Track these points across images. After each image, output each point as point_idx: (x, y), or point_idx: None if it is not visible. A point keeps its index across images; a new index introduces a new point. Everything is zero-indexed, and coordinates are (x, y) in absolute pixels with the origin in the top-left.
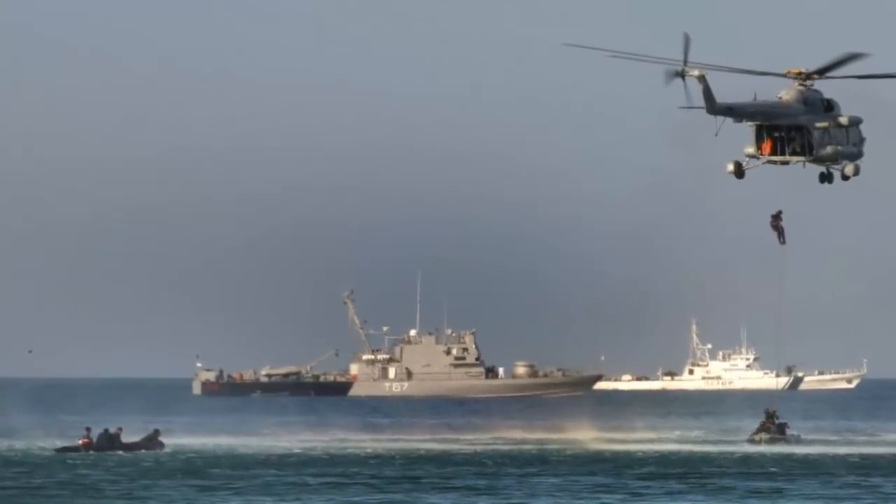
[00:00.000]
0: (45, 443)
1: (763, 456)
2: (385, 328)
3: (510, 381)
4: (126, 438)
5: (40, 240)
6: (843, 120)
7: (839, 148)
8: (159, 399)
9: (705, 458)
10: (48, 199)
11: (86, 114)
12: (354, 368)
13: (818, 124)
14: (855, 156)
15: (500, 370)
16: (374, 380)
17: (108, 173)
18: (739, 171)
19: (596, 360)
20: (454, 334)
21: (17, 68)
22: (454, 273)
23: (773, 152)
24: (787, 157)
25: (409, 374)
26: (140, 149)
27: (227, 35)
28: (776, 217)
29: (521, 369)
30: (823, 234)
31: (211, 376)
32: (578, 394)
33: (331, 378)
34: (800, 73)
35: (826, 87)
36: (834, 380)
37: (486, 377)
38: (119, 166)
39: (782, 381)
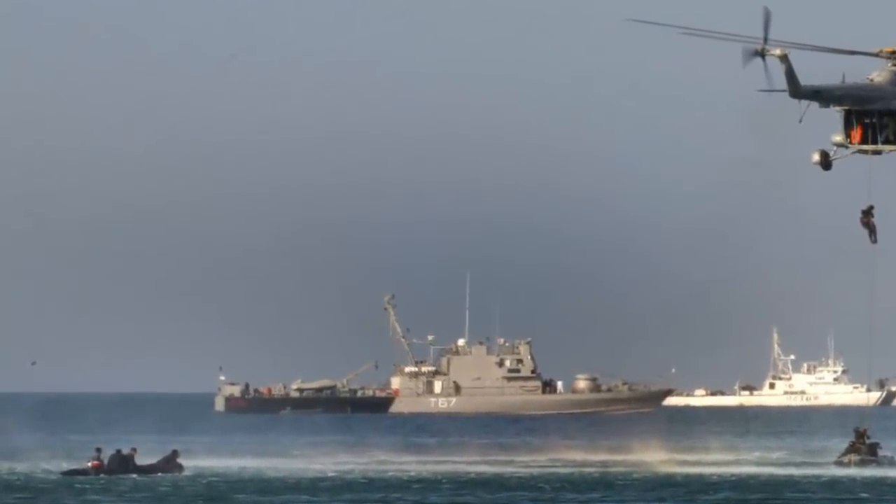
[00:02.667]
0: (51, 465)
1: (853, 480)
2: (430, 337)
3: (570, 397)
4: (141, 460)
5: (42, 237)
6: None
7: None
8: (178, 416)
9: (788, 483)
10: (51, 193)
11: (98, 101)
12: (396, 382)
13: None
14: None
15: (559, 384)
16: (418, 395)
17: (118, 166)
18: (826, 162)
19: (666, 372)
20: (507, 344)
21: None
22: (506, 275)
23: (864, 140)
24: (880, 146)
25: (457, 389)
26: (154, 142)
27: (243, 21)
28: (867, 213)
29: (581, 383)
30: None
31: (236, 391)
32: (646, 410)
33: (369, 393)
34: (894, 53)
35: None
36: None
37: (543, 392)
38: (130, 160)
39: (874, 397)
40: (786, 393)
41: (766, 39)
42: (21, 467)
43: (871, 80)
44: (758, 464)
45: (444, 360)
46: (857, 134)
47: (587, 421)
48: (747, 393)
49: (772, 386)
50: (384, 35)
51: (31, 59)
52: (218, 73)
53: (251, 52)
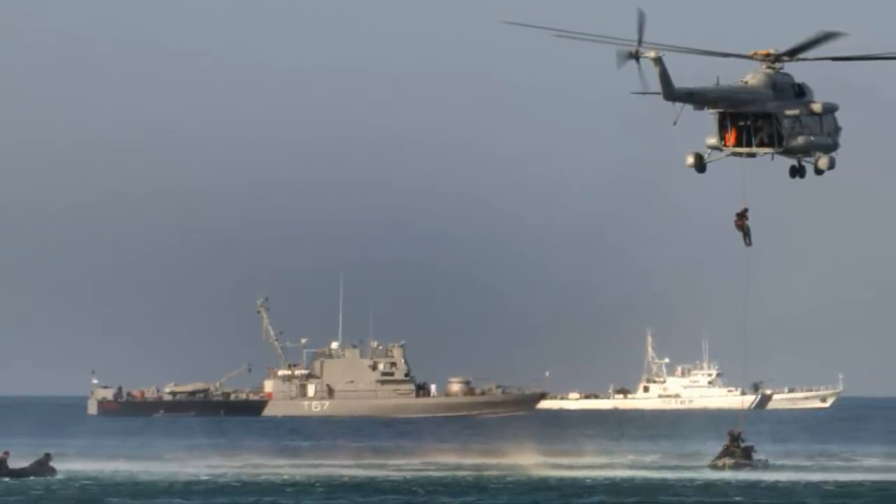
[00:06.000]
0: None
1: (727, 483)
2: (303, 340)
3: (443, 400)
4: (13, 464)
5: None
6: (817, 107)
7: (812, 138)
8: (50, 419)
9: (662, 486)
10: None
11: None
12: (269, 385)
13: (788, 112)
14: (829, 147)
15: (433, 387)
16: (292, 398)
17: None
18: (700, 165)
19: (539, 376)
20: (381, 347)
21: None
22: (380, 278)
23: (738, 143)
24: (754, 149)
25: (331, 392)
26: (35, 140)
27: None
28: (741, 216)
29: (455, 386)
30: (795, 236)
31: (108, 394)
32: (520, 413)
33: (243, 396)
34: (768, 55)
35: (797, 71)
36: (806, 398)
37: (417, 395)
38: (10, 159)
39: (748, 400)
40: (660, 396)
41: (640, 41)
42: None
43: (746, 83)
44: (632, 467)
45: (317, 364)
46: (731, 136)
47: (461, 424)
48: (621, 396)
49: (646, 389)
50: (266, 35)
51: None
52: (99, 71)
53: (135, 50)
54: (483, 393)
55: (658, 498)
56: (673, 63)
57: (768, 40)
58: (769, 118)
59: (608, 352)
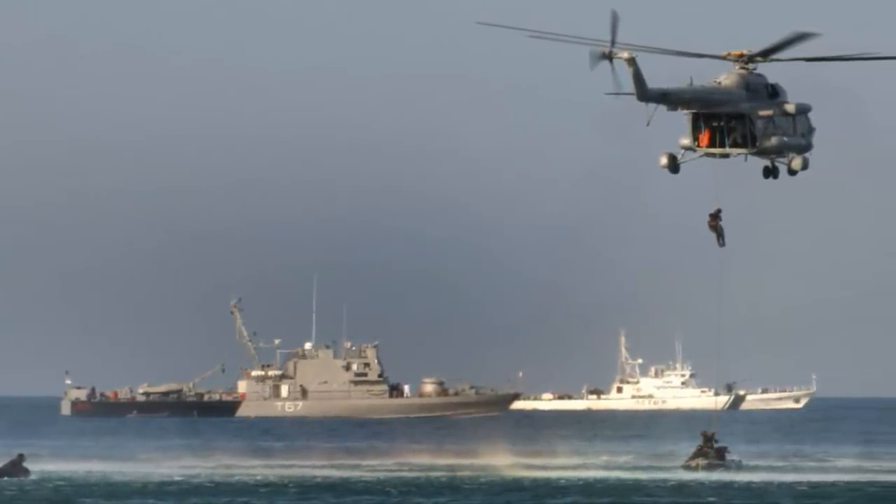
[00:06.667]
0: None
1: (700, 484)
2: (277, 341)
3: (417, 401)
4: None
5: None
6: (790, 108)
7: (785, 139)
8: (24, 420)
9: (635, 487)
10: None
11: None
12: (243, 386)
13: (762, 112)
14: (803, 148)
15: (406, 388)
16: (265, 398)
17: None
18: (674, 165)
19: (513, 376)
20: (354, 348)
21: None
22: (354, 278)
23: (712, 144)
24: (727, 150)
25: (304, 393)
26: (5, 139)
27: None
28: (714, 217)
29: (428, 387)
30: (768, 236)
31: (82, 395)
32: (493, 414)
33: (216, 396)
34: (741, 56)
35: (771, 71)
36: (780, 399)
37: (390, 396)
38: None
39: (722, 401)
40: (633, 397)
41: (613, 42)
42: None
43: (719, 83)
44: (605, 468)
45: (290, 364)
46: (704, 137)
47: (434, 424)
48: (595, 397)
49: (619, 390)
50: (238, 35)
51: None
52: (74, 73)
53: (107, 52)
54: (456, 393)
55: (631, 498)
56: (646, 64)
57: (742, 41)
58: (742, 119)
59: (581, 352)
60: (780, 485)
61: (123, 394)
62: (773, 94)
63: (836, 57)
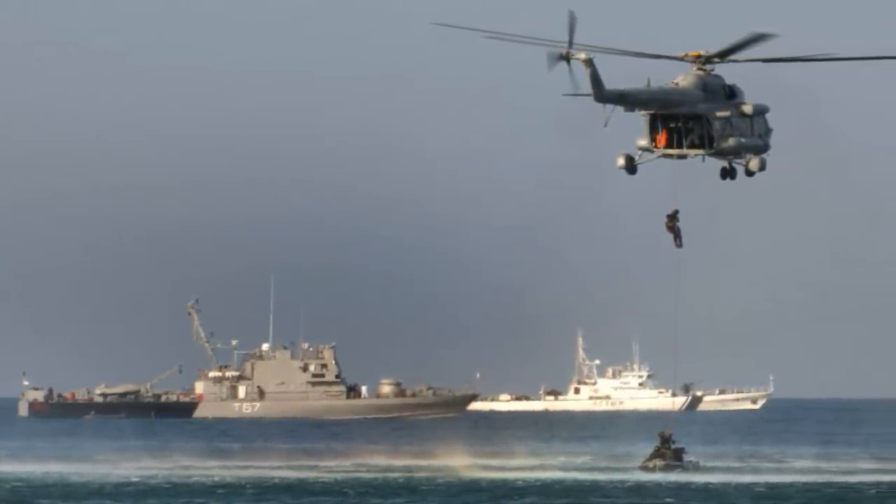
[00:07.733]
0: None
1: (658, 485)
2: (234, 342)
3: (374, 402)
4: None
5: None
6: (747, 108)
7: (742, 140)
8: None
9: (593, 488)
10: None
11: None
12: (200, 387)
13: (719, 113)
14: (760, 149)
15: (364, 389)
16: (222, 399)
17: None
18: (631, 166)
19: (470, 377)
20: (311, 349)
21: None
22: (311, 279)
23: (669, 145)
24: (685, 151)
25: (262, 394)
26: None
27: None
28: (672, 217)
29: (386, 388)
30: (725, 237)
31: (39, 396)
32: (451, 415)
33: (173, 397)
34: (699, 57)
35: (728, 72)
36: (737, 400)
37: (348, 397)
38: None
39: (679, 402)
40: (591, 398)
41: (570, 43)
42: None
43: (677, 84)
44: (562, 469)
45: (248, 365)
46: (662, 138)
47: (392, 426)
48: (552, 398)
49: (577, 391)
50: (192, 37)
51: None
52: (31, 74)
53: (63, 51)
54: (414, 394)
55: (589, 499)
56: (604, 64)
57: (699, 42)
58: (700, 120)
59: (539, 353)
60: (738, 486)
61: (81, 395)
62: (731, 94)
63: (794, 58)
